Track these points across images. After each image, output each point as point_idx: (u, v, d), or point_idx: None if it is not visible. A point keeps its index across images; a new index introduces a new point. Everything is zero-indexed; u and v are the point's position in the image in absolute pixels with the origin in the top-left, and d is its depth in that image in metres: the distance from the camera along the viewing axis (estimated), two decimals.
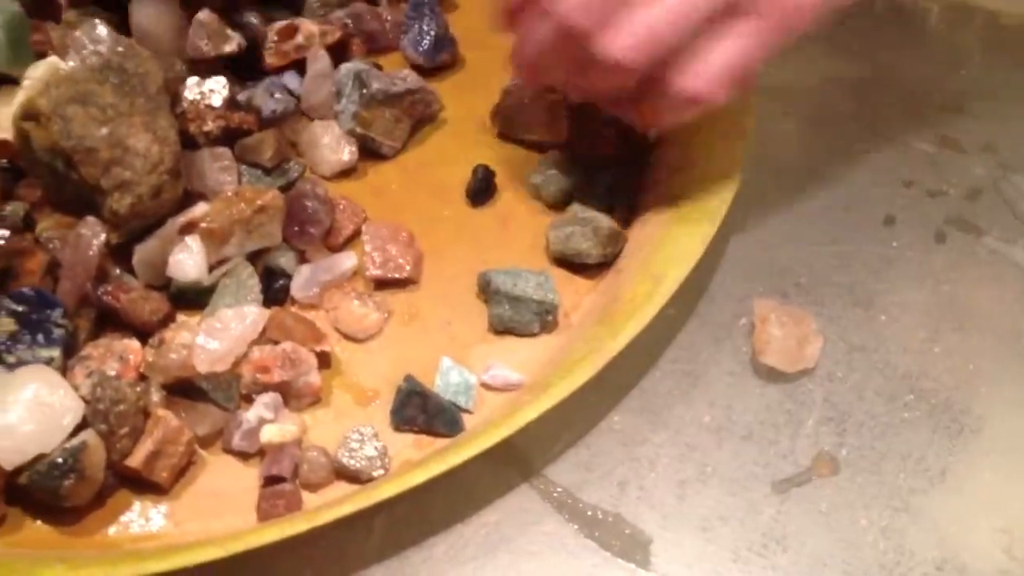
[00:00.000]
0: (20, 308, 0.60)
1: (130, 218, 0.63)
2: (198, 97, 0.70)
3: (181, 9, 0.73)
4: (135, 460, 0.57)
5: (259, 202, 0.65)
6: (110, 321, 0.63)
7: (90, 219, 0.63)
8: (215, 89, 0.70)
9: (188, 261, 0.64)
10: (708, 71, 0.59)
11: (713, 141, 0.69)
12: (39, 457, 0.55)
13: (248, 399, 0.62)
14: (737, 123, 0.69)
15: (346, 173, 0.73)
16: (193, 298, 0.65)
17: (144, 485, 0.59)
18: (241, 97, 0.72)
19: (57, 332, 0.60)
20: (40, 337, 0.60)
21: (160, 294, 0.64)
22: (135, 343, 0.62)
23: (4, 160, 0.68)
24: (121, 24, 0.73)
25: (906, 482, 0.62)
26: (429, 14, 0.78)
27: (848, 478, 0.62)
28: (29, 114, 0.63)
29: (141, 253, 0.64)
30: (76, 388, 0.58)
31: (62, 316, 0.60)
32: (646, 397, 0.65)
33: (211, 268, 0.65)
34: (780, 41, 0.60)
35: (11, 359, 0.60)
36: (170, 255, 0.64)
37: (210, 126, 0.69)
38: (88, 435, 0.56)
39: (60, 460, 0.55)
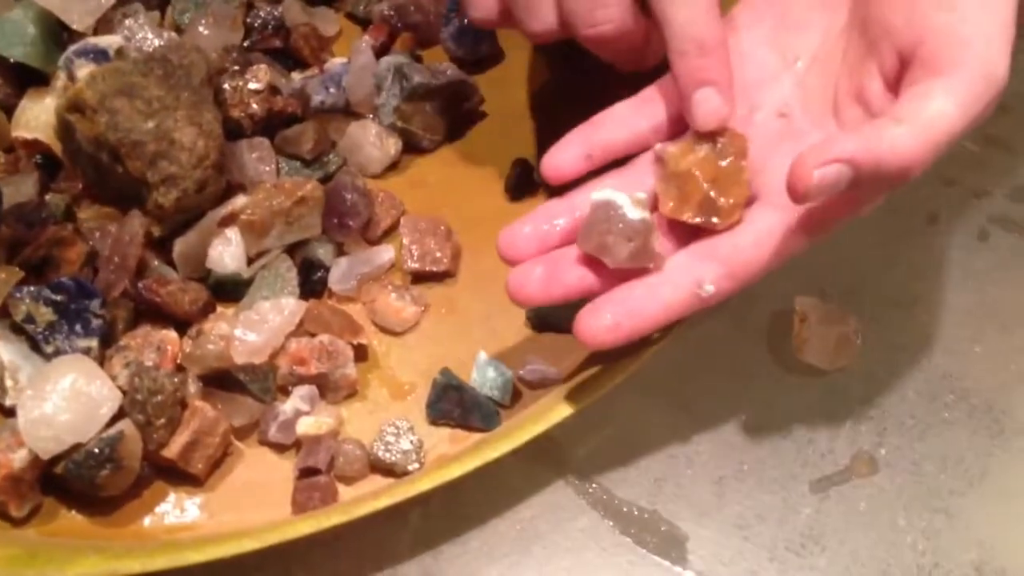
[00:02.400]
0: (59, 298, 0.60)
1: (175, 212, 0.63)
2: (240, 83, 0.69)
3: None
4: (171, 451, 0.58)
5: (299, 193, 0.64)
6: (149, 312, 0.63)
7: (132, 212, 0.63)
8: (256, 75, 0.70)
9: (227, 253, 0.64)
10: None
11: None
12: (76, 447, 0.56)
13: (285, 391, 0.62)
14: None
15: (388, 167, 0.73)
16: (231, 290, 0.65)
17: (180, 476, 0.59)
18: (295, 85, 0.72)
19: (95, 322, 0.60)
20: (78, 327, 0.60)
21: (199, 284, 0.64)
22: (172, 334, 0.62)
23: (38, 156, 0.68)
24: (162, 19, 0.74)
25: (946, 483, 0.62)
26: None
27: (887, 478, 0.61)
28: (74, 106, 0.63)
29: (181, 246, 0.64)
30: (114, 378, 0.59)
31: (100, 306, 0.60)
32: (683, 394, 0.64)
33: (251, 260, 0.65)
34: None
35: (49, 349, 0.60)
36: (210, 247, 0.64)
37: (254, 108, 0.69)
38: (125, 425, 0.56)
39: (97, 450, 0.55)
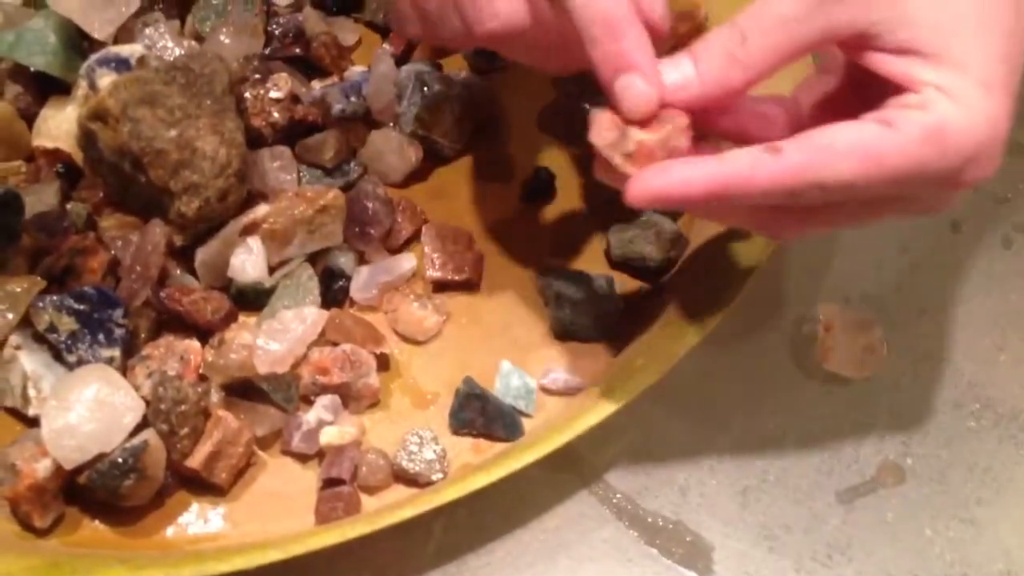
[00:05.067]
0: (81, 307, 0.60)
1: (197, 221, 0.63)
2: (261, 91, 0.69)
3: None
4: (195, 461, 0.57)
5: (321, 202, 0.64)
6: (171, 321, 0.63)
7: (154, 221, 0.63)
8: (277, 83, 0.70)
9: (249, 262, 0.64)
10: None
11: None
12: (99, 456, 0.56)
13: (307, 400, 0.62)
14: None
15: (409, 175, 0.72)
16: (253, 299, 0.65)
17: (203, 486, 0.59)
18: (315, 94, 0.72)
19: (118, 332, 0.60)
20: (101, 336, 0.60)
21: (221, 293, 0.64)
22: (195, 343, 0.62)
23: (59, 165, 0.68)
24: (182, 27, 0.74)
25: (973, 492, 0.61)
26: None
27: (914, 487, 0.61)
28: (97, 114, 0.62)
29: (203, 255, 0.64)
30: (136, 388, 0.58)
31: (123, 316, 0.60)
32: (708, 402, 0.64)
33: (272, 269, 0.65)
34: None
35: (71, 358, 0.60)
36: (231, 256, 0.64)
37: (276, 117, 0.68)
38: (149, 435, 0.56)
39: (121, 460, 0.55)
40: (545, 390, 0.63)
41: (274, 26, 0.75)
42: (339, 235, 0.66)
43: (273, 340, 0.61)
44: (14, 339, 0.60)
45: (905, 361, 0.66)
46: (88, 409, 0.56)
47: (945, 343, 0.67)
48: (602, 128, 0.51)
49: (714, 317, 0.61)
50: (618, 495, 0.60)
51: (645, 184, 0.49)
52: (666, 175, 0.49)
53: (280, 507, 0.59)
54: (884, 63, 0.49)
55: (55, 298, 0.60)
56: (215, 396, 0.60)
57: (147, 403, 0.58)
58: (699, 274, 0.65)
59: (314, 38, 0.75)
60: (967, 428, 0.63)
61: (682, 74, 0.51)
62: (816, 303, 0.67)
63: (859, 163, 0.47)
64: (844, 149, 0.47)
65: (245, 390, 0.61)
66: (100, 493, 0.56)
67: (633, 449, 0.62)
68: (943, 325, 0.68)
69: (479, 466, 0.58)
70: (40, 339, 0.60)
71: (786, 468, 0.61)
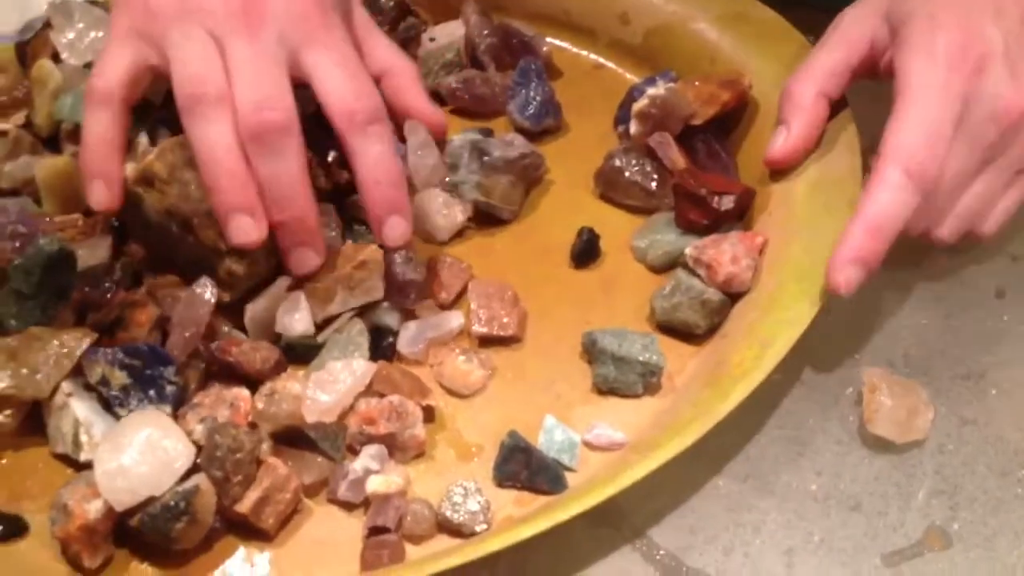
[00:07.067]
0: (134, 362, 0.60)
1: (246, 279, 0.64)
2: (308, 155, 0.70)
3: None
4: (244, 506, 0.58)
5: (359, 258, 0.65)
6: (220, 374, 0.64)
7: (203, 278, 0.64)
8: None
9: (296, 317, 0.65)
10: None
11: (820, 208, 0.69)
12: (149, 499, 0.56)
13: (353, 450, 0.62)
14: (845, 191, 0.69)
15: (456, 234, 0.74)
16: (302, 353, 0.66)
17: (250, 531, 0.59)
18: None
19: (169, 388, 0.61)
20: (152, 392, 0.60)
21: (269, 343, 0.65)
22: (244, 391, 0.62)
23: (114, 219, 0.69)
24: None
25: (1021, 559, 0.60)
26: (536, 80, 0.79)
27: (961, 553, 0.60)
28: (144, 178, 0.64)
29: (252, 311, 0.65)
30: (189, 433, 0.59)
31: (175, 373, 0.61)
32: (751, 463, 0.64)
33: (319, 328, 0.66)
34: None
35: (123, 412, 0.60)
36: (278, 312, 0.65)
37: (322, 182, 0.69)
38: (200, 479, 0.57)
39: (173, 503, 0.55)
40: (588, 445, 0.63)
41: None
42: (380, 290, 0.67)
43: (322, 391, 0.62)
44: (66, 386, 0.61)
45: (949, 426, 0.65)
46: (140, 452, 0.56)
47: (989, 409, 0.66)
48: None
49: (758, 377, 0.61)
50: (661, 551, 0.60)
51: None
52: None
53: (325, 554, 0.59)
54: None
55: (108, 351, 0.61)
56: (264, 443, 0.60)
57: (198, 448, 0.58)
58: (744, 334, 0.65)
59: None
60: (1014, 495, 0.63)
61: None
62: (858, 365, 0.67)
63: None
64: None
65: (293, 438, 0.61)
66: (151, 536, 0.56)
67: (676, 506, 0.62)
68: (987, 391, 0.67)
69: (522, 518, 0.58)
70: (90, 387, 0.61)
71: (831, 530, 0.61)
